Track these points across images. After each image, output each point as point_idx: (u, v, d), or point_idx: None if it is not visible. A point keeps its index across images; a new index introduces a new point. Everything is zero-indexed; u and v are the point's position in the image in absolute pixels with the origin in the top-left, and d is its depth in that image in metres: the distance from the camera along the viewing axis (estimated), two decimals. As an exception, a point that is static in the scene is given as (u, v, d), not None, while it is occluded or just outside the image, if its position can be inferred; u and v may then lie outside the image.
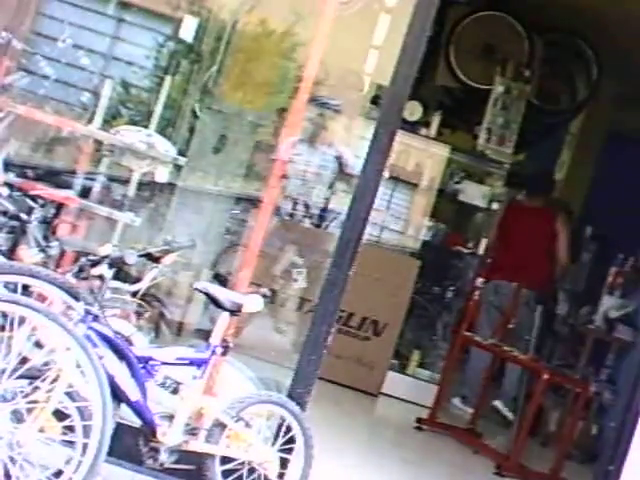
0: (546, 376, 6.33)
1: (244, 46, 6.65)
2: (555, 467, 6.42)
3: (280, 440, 4.24)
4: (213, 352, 4.06)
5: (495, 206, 7.90)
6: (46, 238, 4.84)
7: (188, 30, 6.04)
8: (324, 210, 6.96)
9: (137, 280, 4.29)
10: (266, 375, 4.96)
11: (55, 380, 3.63)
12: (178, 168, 5.67)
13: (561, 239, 7.65)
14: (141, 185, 5.40)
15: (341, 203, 6.70)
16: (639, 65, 8.15)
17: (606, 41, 8.26)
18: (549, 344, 8.24)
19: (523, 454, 6.39)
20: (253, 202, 5.94)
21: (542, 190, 7.93)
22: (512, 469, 6.26)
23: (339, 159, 6.93)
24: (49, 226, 4.93)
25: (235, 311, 4.13)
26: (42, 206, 4.89)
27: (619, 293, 7.60)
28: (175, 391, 4.17)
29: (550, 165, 10.23)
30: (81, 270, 3.97)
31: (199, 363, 4.05)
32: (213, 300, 4.13)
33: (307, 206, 6.89)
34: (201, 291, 4.22)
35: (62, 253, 4.80)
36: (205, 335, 4.21)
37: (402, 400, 7.39)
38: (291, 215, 6.83)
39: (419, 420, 6.77)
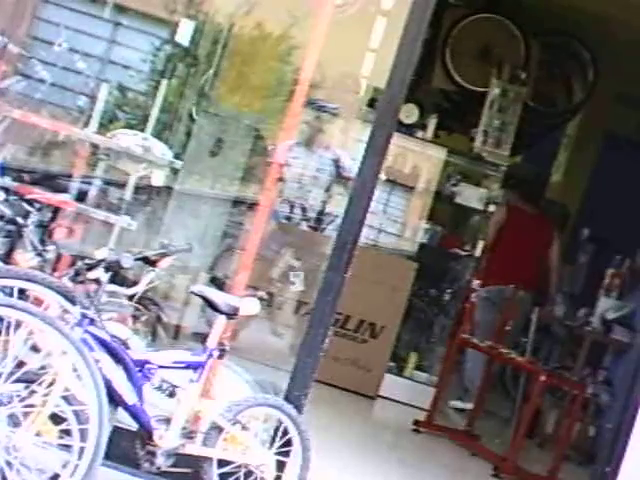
0: (543, 378, 6.34)
1: (240, 49, 6.66)
2: (552, 469, 6.42)
3: (277, 443, 4.24)
4: (210, 355, 4.07)
5: (492, 208, 7.89)
6: (42, 242, 4.84)
7: (184, 34, 6.03)
8: (321, 213, 6.98)
9: (134, 284, 4.27)
10: (263, 378, 4.97)
11: (51, 384, 3.63)
12: (175, 171, 5.67)
13: (555, 246, 7.75)
14: (137, 189, 5.41)
15: (338, 206, 6.70)
16: (635, 66, 8.16)
17: (602, 43, 8.28)
18: (546, 346, 8.25)
19: (520, 456, 6.39)
20: (250, 205, 5.94)
21: (539, 196, 7.98)
22: (509, 471, 6.27)
23: (336, 162, 6.96)
24: (45, 230, 4.93)
25: (232, 314, 4.13)
26: (38, 210, 4.89)
27: (616, 295, 7.58)
28: (172, 394, 4.18)
29: (547, 167, 10.26)
30: (77, 274, 3.96)
31: (196, 366, 4.05)
32: (210, 303, 4.14)
33: (304, 209, 6.91)
34: (198, 294, 4.22)
35: (58, 257, 4.80)
36: (202, 338, 4.21)
37: (399, 402, 7.39)
38: (288, 218, 6.85)
39: (416, 422, 6.77)
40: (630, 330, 7.03)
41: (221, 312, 4.10)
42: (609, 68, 8.49)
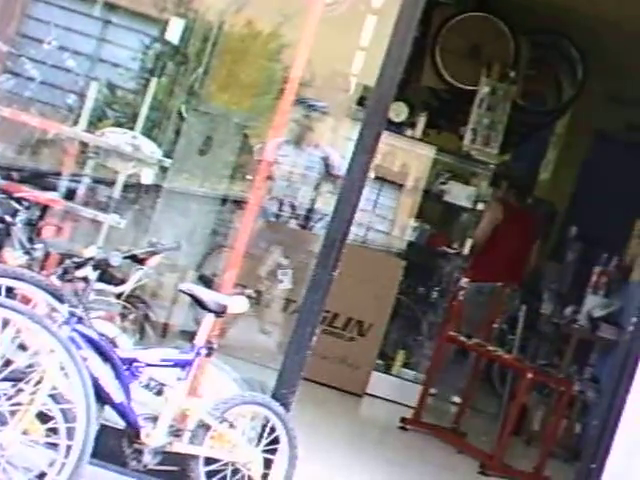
0: (530, 375, 6.38)
1: (230, 47, 6.67)
2: (538, 465, 6.45)
3: (264, 441, 4.26)
4: (197, 353, 4.08)
5: (480, 206, 7.93)
6: (31, 240, 4.84)
7: (174, 32, 6.05)
8: (310, 211, 6.97)
9: (122, 282, 4.28)
10: (251, 376, 4.98)
11: (39, 382, 3.64)
12: (164, 170, 5.68)
13: (536, 243, 7.85)
14: (126, 187, 5.42)
15: (327, 204, 6.71)
16: (624, 65, 8.20)
17: (591, 41, 8.30)
18: (534, 343, 8.29)
19: (507, 453, 6.41)
20: (239, 203, 5.95)
21: (528, 193, 8.05)
22: (496, 468, 6.29)
23: (325, 160, 6.95)
24: (34, 228, 4.93)
25: (220, 312, 4.14)
26: (27, 208, 4.89)
27: (603, 292, 7.63)
28: (159, 392, 4.18)
29: (535, 165, 10.31)
30: (65, 272, 3.96)
31: (183, 364, 4.07)
32: (198, 301, 4.15)
33: (293, 207, 6.91)
34: (186, 292, 4.23)
35: (47, 255, 4.81)
36: (190, 336, 4.22)
37: (387, 400, 7.40)
38: (277, 216, 6.85)
39: (403, 420, 6.79)
40: (617, 327, 7.07)
41: (209, 310, 4.11)
42: (598, 67, 8.52)
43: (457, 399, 7.55)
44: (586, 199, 9.38)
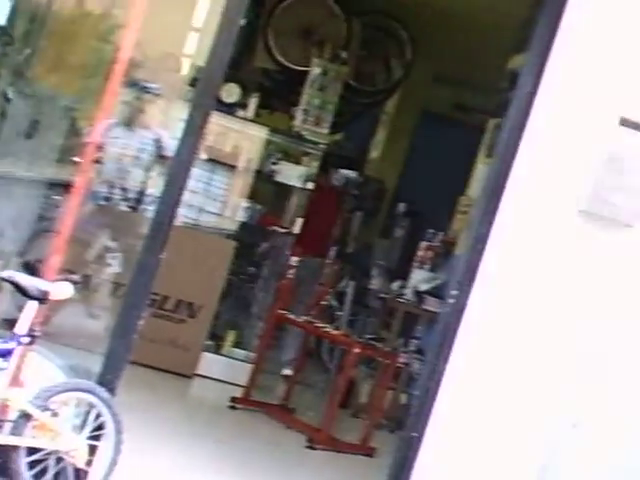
0: (356, 350, 6.59)
1: (60, 28, 6.58)
2: (364, 437, 6.68)
3: (89, 427, 4.26)
4: (19, 342, 4.05)
5: (310, 186, 8.08)
6: None
7: (0, 12, 5.93)
8: (142, 193, 6.95)
9: (-64, 273, 4.22)
10: (77, 362, 4.95)
11: None
12: (-14, 154, 5.59)
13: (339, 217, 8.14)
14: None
15: (159, 186, 6.70)
16: (450, 46, 8.47)
17: (420, 23, 8.55)
18: (362, 318, 8.54)
19: (334, 426, 6.59)
20: (67, 187, 5.89)
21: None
22: (323, 441, 6.47)
23: (157, 142, 6.94)
24: None
25: (42, 299, 4.12)
26: None
27: (429, 267, 7.91)
28: (-21, 385, 4.13)
29: (366, 144, 10.54)
30: None
31: (4, 354, 4.02)
32: (19, 288, 4.11)
33: (125, 190, 6.88)
34: (6, 280, 4.18)
35: None
36: (12, 325, 4.16)
37: (217, 380, 7.45)
38: (108, 199, 6.80)
39: (233, 399, 6.88)
40: (441, 301, 7.33)
41: (31, 297, 4.09)
42: (426, 48, 8.79)
43: (288, 371, 7.70)
44: (414, 176, 9.67)
